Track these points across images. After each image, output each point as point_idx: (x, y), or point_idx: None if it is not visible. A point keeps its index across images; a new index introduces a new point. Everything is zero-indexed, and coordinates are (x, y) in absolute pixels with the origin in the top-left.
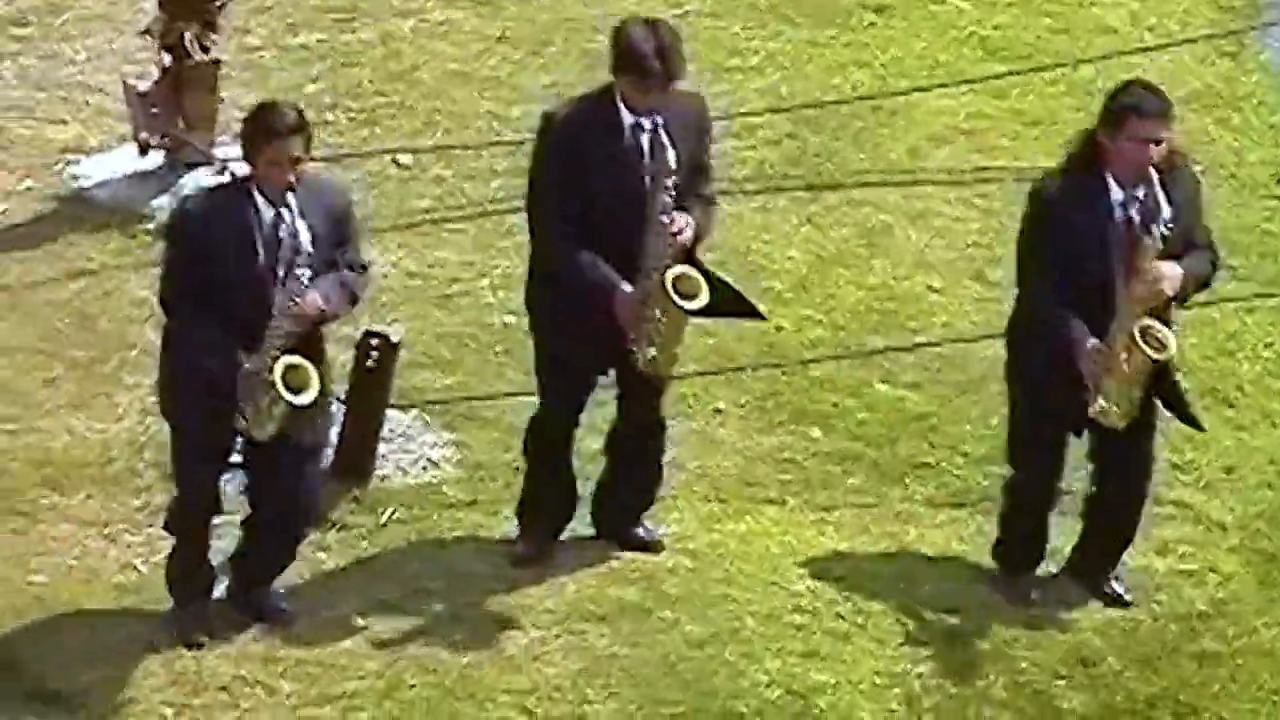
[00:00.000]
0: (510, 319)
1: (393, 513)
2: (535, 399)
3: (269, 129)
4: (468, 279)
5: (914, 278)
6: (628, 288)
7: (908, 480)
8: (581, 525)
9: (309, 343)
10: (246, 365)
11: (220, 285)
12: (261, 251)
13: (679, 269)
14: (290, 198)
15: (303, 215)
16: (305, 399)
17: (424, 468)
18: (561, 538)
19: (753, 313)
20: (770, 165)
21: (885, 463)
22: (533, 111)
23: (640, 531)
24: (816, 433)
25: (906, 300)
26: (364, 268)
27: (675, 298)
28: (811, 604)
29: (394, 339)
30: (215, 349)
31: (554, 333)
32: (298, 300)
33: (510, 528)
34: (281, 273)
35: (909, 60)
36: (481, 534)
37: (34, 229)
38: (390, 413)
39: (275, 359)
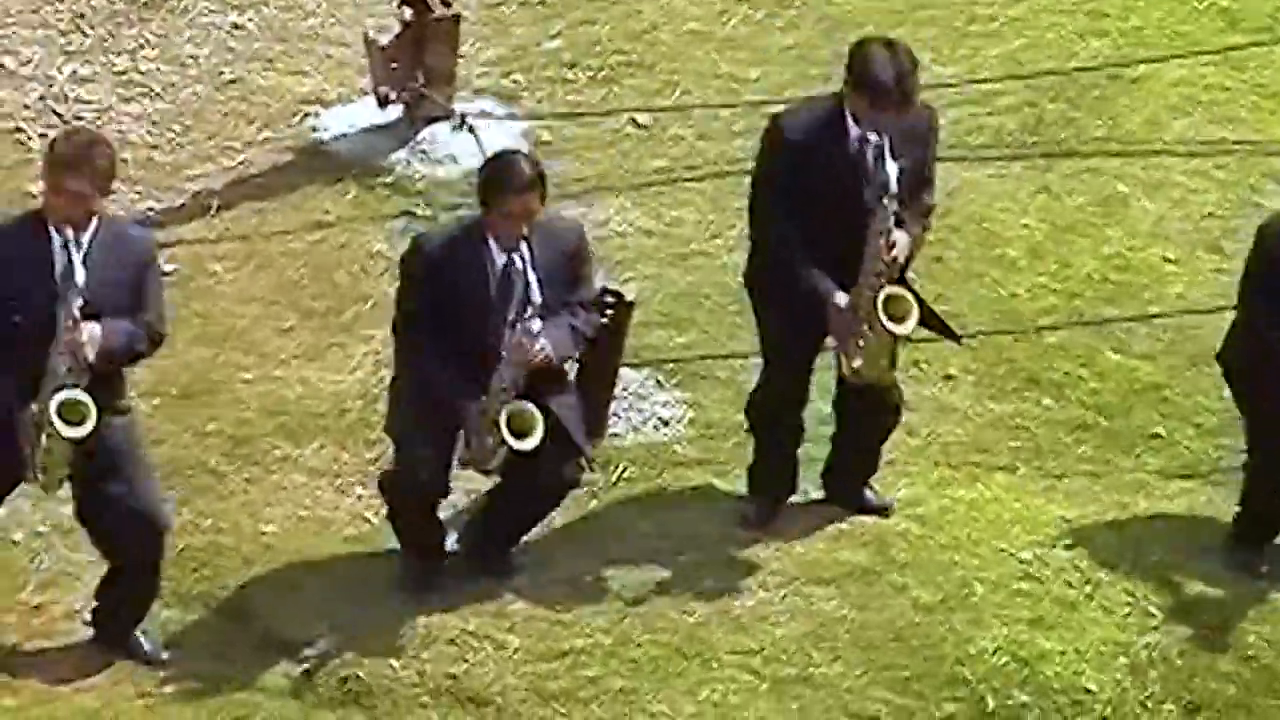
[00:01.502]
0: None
1: (624, 471)
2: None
3: (504, 185)
4: (703, 239)
5: (1149, 248)
6: (842, 298)
7: (1139, 450)
8: (812, 488)
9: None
10: (474, 405)
11: (450, 323)
12: (493, 296)
13: (891, 289)
14: (523, 245)
15: (534, 261)
16: (528, 444)
17: (656, 426)
18: (792, 500)
19: (953, 335)
20: (1007, 132)
21: (1116, 432)
22: (771, 73)
23: (870, 495)
24: (1048, 400)
25: (1141, 270)
26: (590, 305)
27: (884, 319)
28: (1040, 571)
29: (629, 298)
30: (442, 385)
31: (774, 314)
32: (526, 347)
33: (740, 488)
34: (511, 317)
35: (1148, 29)
36: (712, 494)
37: (272, 180)
38: (623, 371)
39: (503, 403)
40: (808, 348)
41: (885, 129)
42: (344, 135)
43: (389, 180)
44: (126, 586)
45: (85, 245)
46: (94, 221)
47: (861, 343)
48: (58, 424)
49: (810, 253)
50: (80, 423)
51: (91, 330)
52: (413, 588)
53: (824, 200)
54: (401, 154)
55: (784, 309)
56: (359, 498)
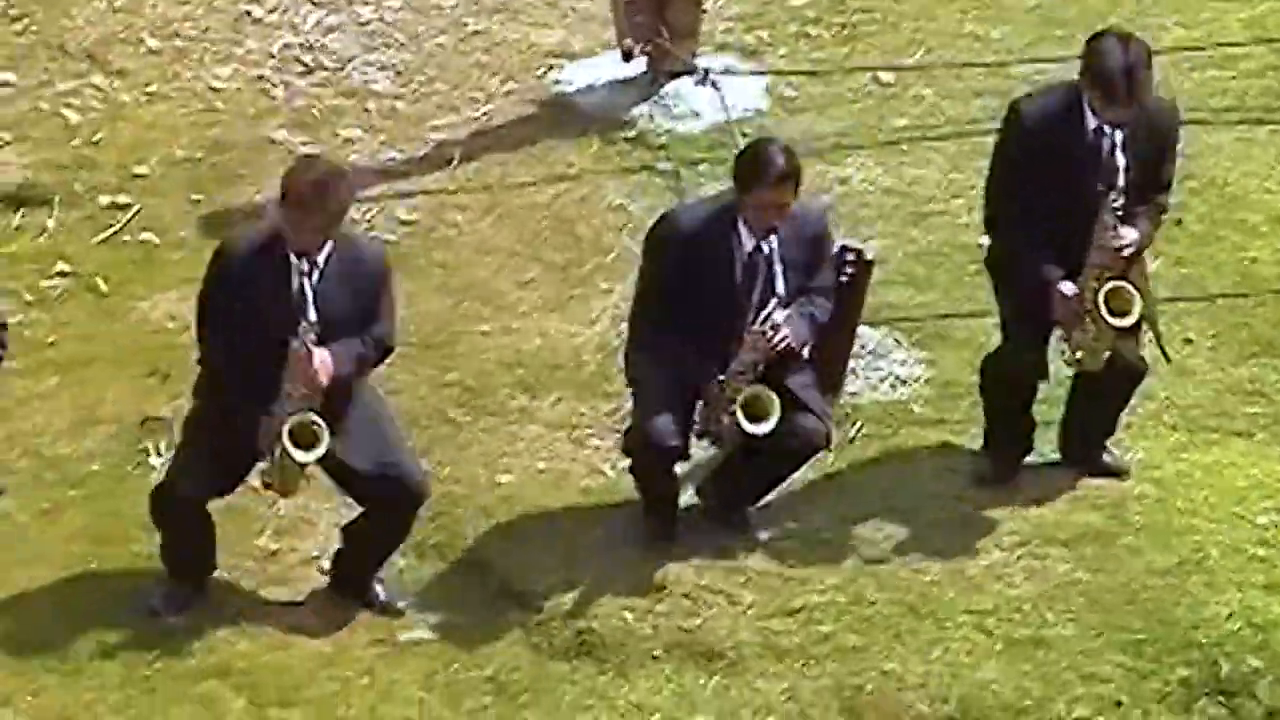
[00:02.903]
0: (985, 239)
1: (861, 429)
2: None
3: (759, 177)
4: (944, 198)
5: None
6: (1068, 287)
7: None
8: (1049, 449)
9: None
10: (713, 384)
11: (692, 301)
12: (738, 281)
13: (1115, 284)
14: (772, 237)
15: (782, 250)
16: (763, 429)
17: (893, 385)
18: (1028, 460)
19: (1164, 353)
20: (1250, 96)
21: None
22: (1014, 32)
23: (1107, 458)
24: None
25: None
26: (830, 291)
27: (1105, 313)
28: (1276, 538)
29: (869, 255)
30: (682, 358)
31: (1009, 294)
32: (768, 337)
33: (976, 447)
34: (755, 302)
35: None
36: (948, 453)
37: (516, 132)
38: (862, 329)
39: (739, 388)
40: (1043, 327)
41: (1122, 122)
42: (587, 88)
43: (631, 134)
44: (375, 536)
45: (320, 268)
46: (329, 245)
47: (1083, 333)
48: (290, 448)
49: (1041, 239)
50: (313, 445)
51: (323, 358)
52: (648, 541)
53: (1057, 188)
54: (644, 108)
55: (1017, 290)
56: (596, 449)
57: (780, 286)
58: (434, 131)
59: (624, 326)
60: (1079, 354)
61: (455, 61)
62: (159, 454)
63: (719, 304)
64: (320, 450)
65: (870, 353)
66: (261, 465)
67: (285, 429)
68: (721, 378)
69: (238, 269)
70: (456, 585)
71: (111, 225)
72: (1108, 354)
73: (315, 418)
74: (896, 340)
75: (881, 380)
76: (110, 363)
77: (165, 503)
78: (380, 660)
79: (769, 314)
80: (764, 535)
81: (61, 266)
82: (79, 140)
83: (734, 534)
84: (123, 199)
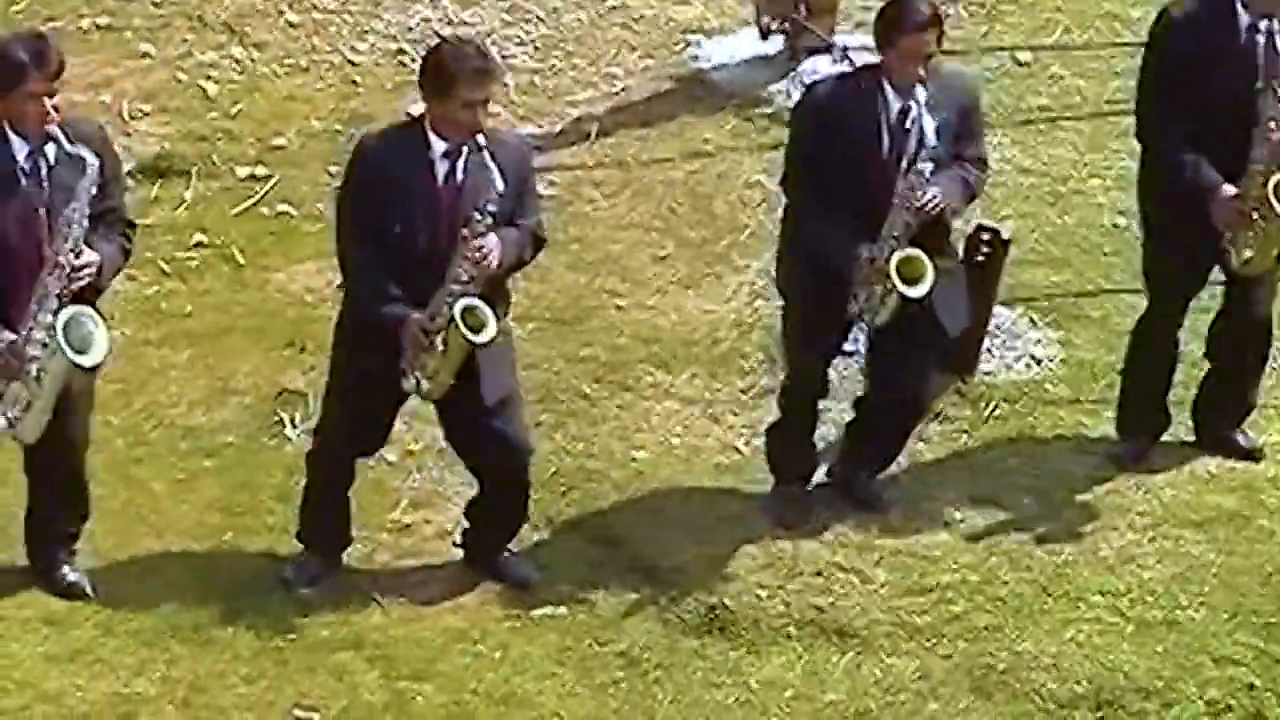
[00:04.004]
0: (1121, 220)
1: (995, 408)
2: (1143, 300)
3: (905, 22)
4: (1080, 178)
5: None
6: (1229, 189)
7: None
8: (1183, 430)
9: (930, 233)
10: (864, 253)
11: (842, 172)
12: (886, 141)
13: None
14: (919, 90)
15: (930, 109)
16: (918, 291)
17: (1027, 364)
18: (1163, 441)
19: None
20: None
21: None
22: (1152, 13)
23: (1240, 439)
24: None
25: None
26: (984, 163)
27: (1277, 203)
28: None
29: (1005, 235)
30: (833, 235)
31: (1156, 236)
32: (918, 193)
33: (1111, 428)
34: (905, 164)
35: None
36: (1082, 433)
37: (652, 107)
38: (997, 308)
39: (893, 249)
40: (1186, 274)
41: (1275, 12)
42: (725, 65)
43: (768, 111)
44: (494, 508)
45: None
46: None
47: (1252, 232)
48: (463, 329)
49: (1202, 147)
50: (481, 329)
51: (492, 240)
52: (781, 518)
53: (1215, 91)
54: (782, 85)
55: (1169, 228)
56: (730, 426)
57: (931, 139)
58: (571, 106)
59: (760, 304)
60: (1247, 254)
61: (593, 36)
62: (294, 426)
63: (868, 169)
64: (490, 333)
65: (1005, 332)
66: (409, 380)
67: (459, 309)
68: (867, 253)
69: (380, 164)
70: (589, 560)
71: (249, 197)
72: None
73: (481, 304)
74: (1031, 320)
75: (1016, 360)
76: (246, 334)
77: (319, 462)
78: (513, 634)
79: (919, 168)
80: (896, 513)
81: (199, 238)
82: (217, 112)
83: (866, 512)
84: (260, 171)
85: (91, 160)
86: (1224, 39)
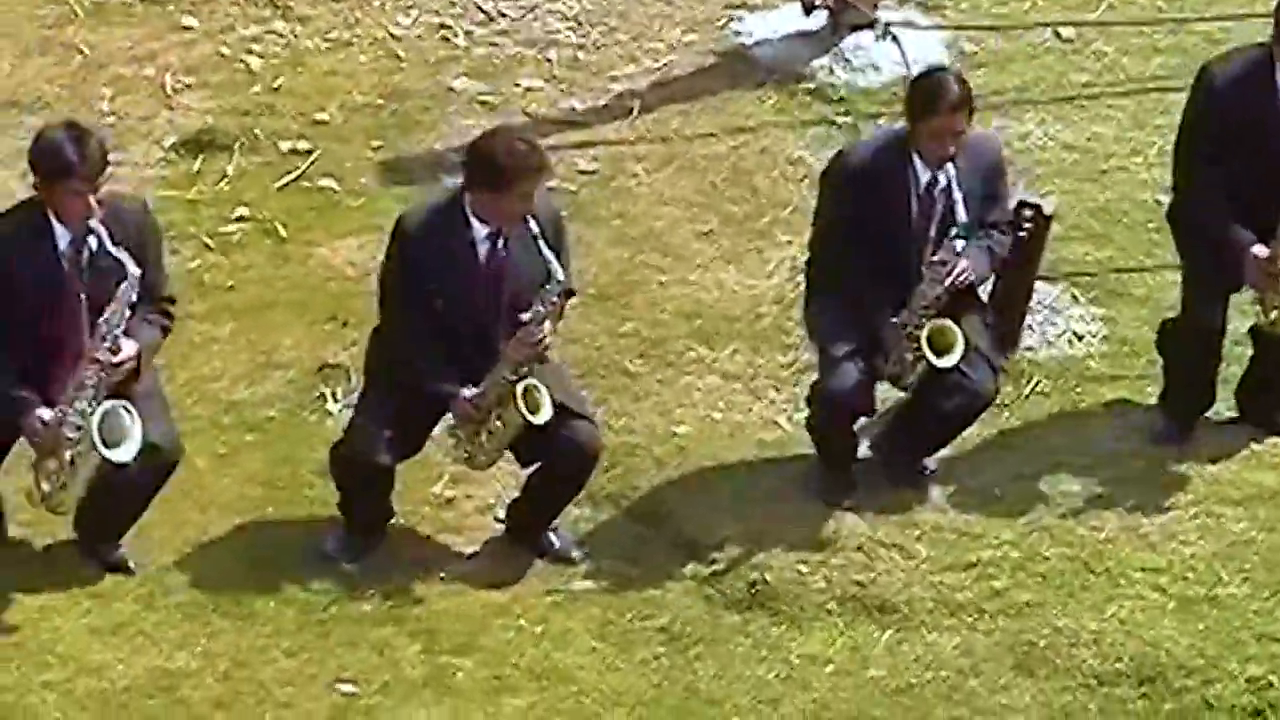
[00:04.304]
0: (1163, 197)
1: (1036, 384)
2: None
3: (934, 103)
4: (1123, 154)
5: None
6: (1261, 250)
7: None
8: (1225, 407)
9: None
10: (895, 319)
11: (870, 238)
12: (915, 210)
13: None
14: (949, 166)
15: (959, 180)
16: (948, 362)
17: (1070, 341)
18: (1206, 417)
19: None
20: None
21: None
22: None
23: None
24: None
25: None
26: (1009, 225)
27: None
28: None
29: (1047, 211)
30: (861, 299)
31: (1193, 257)
32: (949, 267)
33: (1153, 404)
34: (933, 235)
35: None
36: (1124, 409)
37: (695, 83)
38: (1039, 284)
39: (923, 319)
40: (1225, 287)
41: None
42: (767, 40)
43: (811, 87)
44: (551, 492)
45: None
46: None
47: (1277, 294)
48: (522, 410)
49: (1232, 202)
50: (539, 410)
51: (548, 327)
52: (823, 494)
53: (1248, 148)
54: (824, 61)
55: (1202, 253)
56: (772, 402)
57: (961, 215)
58: (614, 82)
59: (801, 279)
60: (1273, 316)
61: (636, 11)
62: (336, 400)
63: (896, 239)
64: (547, 414)
65: (1047, 308)
66: (454, 441)
67: (519, 390)
68: (897, 319)
69: (422, 244)
70: (631, 535)
71: (292, 171)
72: None
73: (540, 385)
74: (1074, 296)
75: (1058, 336)
76: (289, 308)
77: (344, 464)
78: (554, 609)
79: (949, 243)
80: (939, 490)
81: (241, 212)
82: (260, 86)
83: (908, 488)
84: (303, 145)
85: (133, 270)
86: (1256, 99)
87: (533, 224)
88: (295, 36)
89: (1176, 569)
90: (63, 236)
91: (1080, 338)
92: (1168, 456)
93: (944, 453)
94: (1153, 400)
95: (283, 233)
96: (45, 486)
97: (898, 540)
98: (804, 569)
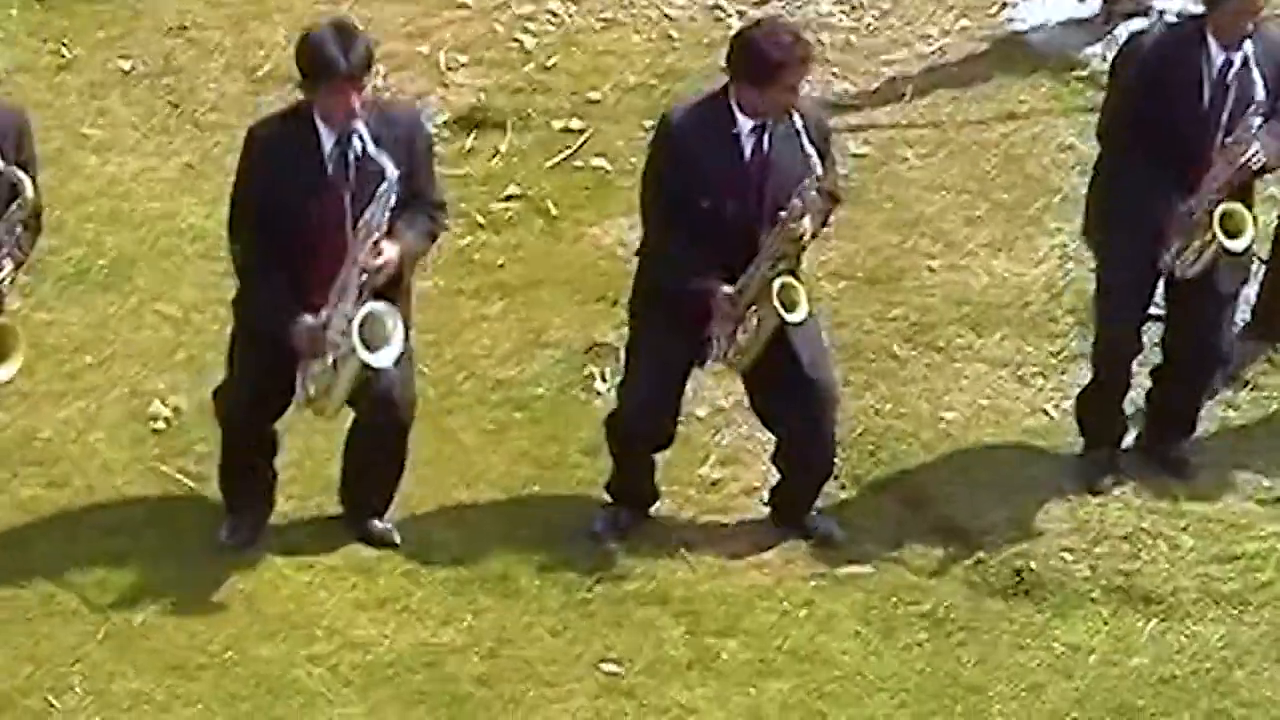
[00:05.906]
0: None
1: None
2: None
3: None
4: None
5: None
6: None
7: None
8: None
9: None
10: (1183, 206)
11: (1161, 124)
12: (1207, 96)
13: (1228, 205)
14: (1246, 45)
15: (1257, 61)
16: (1239, 244)
17: None
18: None
19: None
20: None
21: None
22: None
23: None
24: None
25: None
26: None
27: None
28: None
29: None
30: (1152, 187)
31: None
32: (1243, 147)
33: None
34: (1225, 119)
35: None
36: None
37: (967, 69)
38: None
39: (1214, 202)
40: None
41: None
42: (1041, 27)
43: (1083, 74)
44: (801, 461)
45: (769, 132)
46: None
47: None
48: (779, 307)
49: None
50: (797, 308)
51: (806, 223)
52: (1090, 482)
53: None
54: (1097, 48)
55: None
56: (1039, 389)
57: (1260, 93)
58: (886, 66)
59: (1071, 267)
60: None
61: None
62: (605, 380)
63: (1189, 124)
64: (803, 311)
65: None
66: (716, 350)
67: (776, 287)
68: (1194, 199)
69: (687, 141)
70: (895, 520)
71: (564, 150)
72: None
73: (797, 282)
74: None
75: None
76: (558, 287)
77: (618, 434)
78: (818, 592)
79: (1246, 119)
80: (1204, 480)
81: (512, 190)
82: (533, 65)
83: (1175, 477)
84: (575, 124)
85: (391, 172)
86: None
87: (797, 119)
88: (569, 16)
89: None
90: (328, 138)
91: None
92: None
93: (1211, 443)
94: None
95: (554, 211)
96: (311, 389)
97: (1163, 530)
98: (1069, 557)
